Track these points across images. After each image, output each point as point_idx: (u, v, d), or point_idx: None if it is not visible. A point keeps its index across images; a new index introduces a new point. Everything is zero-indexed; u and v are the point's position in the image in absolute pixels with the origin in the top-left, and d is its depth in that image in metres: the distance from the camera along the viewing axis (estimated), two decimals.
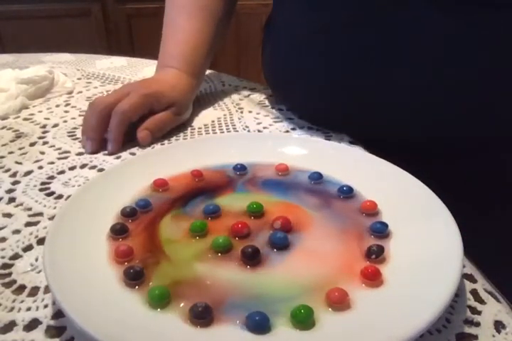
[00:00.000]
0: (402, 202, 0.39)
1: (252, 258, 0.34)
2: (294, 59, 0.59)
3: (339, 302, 0.30)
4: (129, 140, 0.56)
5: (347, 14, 0.50)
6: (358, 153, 0.47)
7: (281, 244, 0.35)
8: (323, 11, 0.52)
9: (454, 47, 0.46)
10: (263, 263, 0.34)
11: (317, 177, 0.44)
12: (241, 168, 0.46)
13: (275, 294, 0.31)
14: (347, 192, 0.42)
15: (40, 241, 0.39)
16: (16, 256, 0.38)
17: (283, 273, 0.33)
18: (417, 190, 0.40)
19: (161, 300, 0.30)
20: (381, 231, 0.36)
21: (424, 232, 0.35)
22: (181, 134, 0.60)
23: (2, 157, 0.54)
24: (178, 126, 0.61)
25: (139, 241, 0.36)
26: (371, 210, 0.39)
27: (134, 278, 0.32)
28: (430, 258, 0.32)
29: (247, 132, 0.60)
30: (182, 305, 0.30)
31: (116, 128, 0.55)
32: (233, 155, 0.48)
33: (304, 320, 0.29)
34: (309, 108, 0.61)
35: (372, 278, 0.31)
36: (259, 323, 0.28)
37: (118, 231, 0.37)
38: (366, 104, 0.53)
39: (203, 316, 0.29)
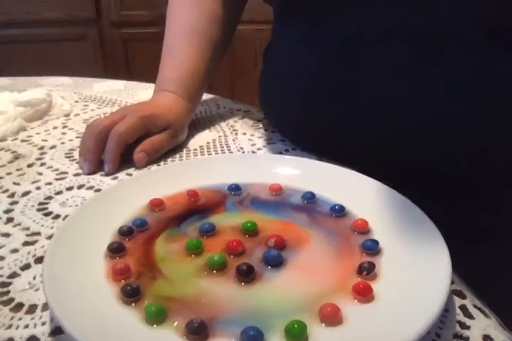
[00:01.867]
0: (393, 220, 0.40)
1: (247, 276, 0.34)
2: (282, 91, 0.61)
3: (331, 317, 0.30)
4: (125, 161, 0.57)
5: (330, 52, 0.53)
6: (349, 173, 0.48)
7: (275, 262, 0.36)
8: (310, 48, 0.55)
9: (434, 85, 0.48)
10: (258, 280, 0.35)
11: (310, 196, 0.45)
12: (236, 188, 0.47)
13: (269, 310, 0.32)
14: (339, 211, 0.43)
15: (38, 260, 0.40)
16: (13, 275, 0.38)
17: (277, 290, 0.34)
18: (407, 208, 0.41)
19: (157, 317, 0.31)
20: (372, 248, 0.37)
21: (414, 249, 0.36)
22: (177, 155, 0.61)
23: (0, 178, 0.55)
24: (174, 148, 0.63)
25: (135, 259, 0.37)
26: (362, 228, 0.40)
27: (130, 295, 0.32)
28: (419, 275, 0.33)
29: (242, 153, 0.61)
30: (178, 321, 0.31)
31: (113, 149, 0.56)
32: (228, 175, 0.49)
33: (297, 334, 0.29)
34: (300, 138, 0.63)
35: (364, 294, 0.32)
36: (254, 338, 0.29)
37: (115, 250, 0.37)
38: (358, 138, 0.54)
39: (198, 332, 0.29)
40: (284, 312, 0.31)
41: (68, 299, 0.31)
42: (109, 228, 0.40)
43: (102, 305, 0.32)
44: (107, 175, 0.55)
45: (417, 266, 0.34)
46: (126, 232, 0.40)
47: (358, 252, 0.37)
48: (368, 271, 0.34)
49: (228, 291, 0.34)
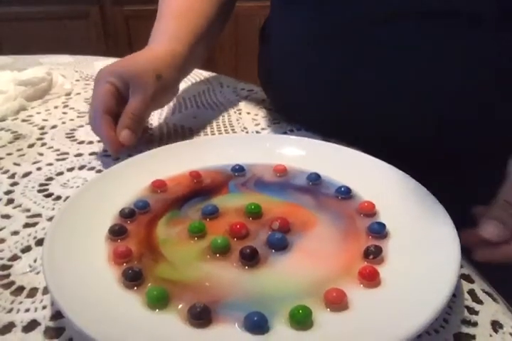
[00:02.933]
0: (400, 202, 0.40)
1: (251, 259, 0.34)
2: (284, 70, 0.59)
3: (337, 302, 0.30)
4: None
5: (340, 25, 0.51)
6: (355, 154, 0.47)
7: (280, 245, 0.35)
8: (316, 22, 0.53)
9: (439, 60, 0.46)
10: (261, 263, 0.34)
11: (315, 178, 0.45)
12: (239, 169, 0.46)
13: (273, 294, 0.31)
14: (345, 193, 0.42)
15: (39, 243, 0.39)
16: (14, 257, 0.38)
17: (281, 274, 0.33)
18: (415, 190, 0.40)
19: (159, 301, 0.30)
20: (379, 231, 0.36)
21: (422, 232, 0.36)
22: (180, 136, 0.60)
23: (1, 158, 0.54)
24: (176, 129, 0.61)
25: (137, 242, 0.36)
26: (369, 211, 0.39)
27: (132, 278, 0.32)
28: (428, 259, 0.33)
29: (246, 133, 0.60)
30: (180, 305, 0.30)
31: (103, 131, 0.51)
32: (232, 156, 0.48)
33: (302, 320, 0.29)
34: (303, 117, 0.61)
35: (370, 279, 0.32)
36: (258, 323, 0.28)
37: (116, 232, 0.37)
38: (360, 114, 0.53)
39: (201, 317, 0.29)
40: (289, 297, 0.31)
41: (68, 283, 0.30)
42: (111, 210, 0.40)
43: (103, 289, 0.31)
44: (115, 157, 0.53)
45: (426, 250, 0.34)
46: (127, 214, 0.39)
47: (365, 235, 0.37)
48: (374, 254, 0.34)
49: (232, 275, 0.33)
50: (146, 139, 0.59)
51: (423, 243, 0.35)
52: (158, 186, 0.43)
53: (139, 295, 0.31)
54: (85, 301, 0.30)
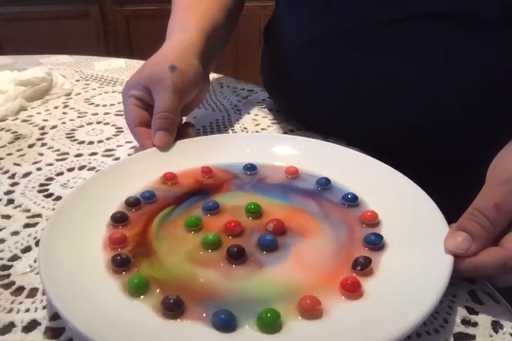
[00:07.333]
0: (405, 214, 0.38)
1: (237, 258, 0.34)
2: (288, 70, 0.59)
3: (309, 310, 0.29)
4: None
5: (347, 26, 0.51)
6: (367, 159, 0.46)
7: (269, 246, 0.35)
8: (323, 22, 0.53)
9: (451, 61, 0.46)
10: (249, 263, 0.34)
11: (325, 182, 0.44)
12: (251, 168, 0.46)
13: (251, 295, 0.31)
14: (351, 200, 0.41)
15: (39, 243, 0.39)
16: (14, 258, 0.38)
17: (264, 276, 0.33)
18: (421, 201, 0.38)
19: (138, 289, 0.31)
20: (375, 243, 0.35)
21: (420, 248, 0.34)
22: None
23: (1, 158, 0.54)
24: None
25: (136, 231, 0.37)
26: (371, 221, 0.38)
27: (120, 265, 0.33)
28: (418, 275, 0.32)
29: (265, 133, 0.60)
30: (158, 296, 0.31)
31: (139, 141, 0.51)
32: (245, 154, 0.48)
33: (269, 323, 0.29)
34: (307, 118, 0.61)
35: (351, 290, 0.31)
36: (224, 321, 0.29)
37: (118, 219, 0.38)
38: (362, 114, 0.53)
39: (172, 308, 0.29)
40: (264, 300, 0.31)
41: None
42: (118, 199, 0.41)
43: (92, 275, 0.32)
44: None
45: (418, 266, 0.32)
46: (132, 203, 0.40)
47: (361, 246, 0.36)
48: (362, 266, 0.33)
49: (216, 272, 0.33)
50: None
51: (418, 259, 0.33)
52: (169, 178, 0.44)
53: (122, 283, 0.32)
54: (72, 287, 0.31)
